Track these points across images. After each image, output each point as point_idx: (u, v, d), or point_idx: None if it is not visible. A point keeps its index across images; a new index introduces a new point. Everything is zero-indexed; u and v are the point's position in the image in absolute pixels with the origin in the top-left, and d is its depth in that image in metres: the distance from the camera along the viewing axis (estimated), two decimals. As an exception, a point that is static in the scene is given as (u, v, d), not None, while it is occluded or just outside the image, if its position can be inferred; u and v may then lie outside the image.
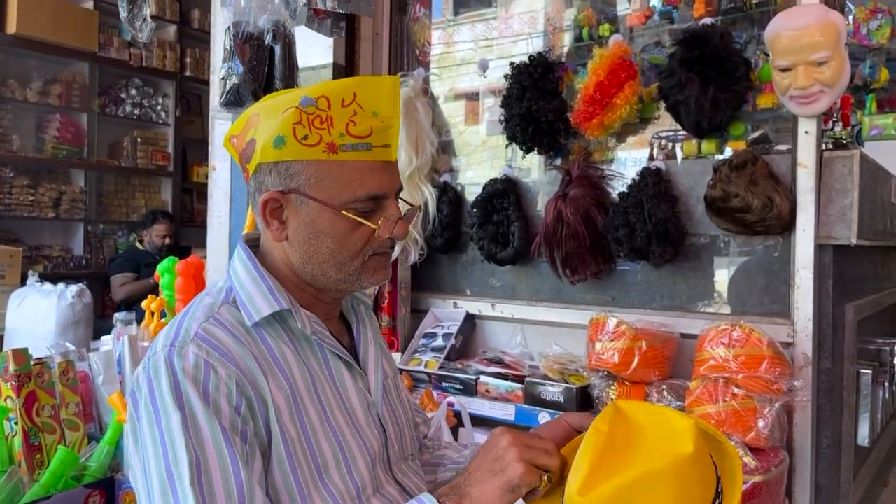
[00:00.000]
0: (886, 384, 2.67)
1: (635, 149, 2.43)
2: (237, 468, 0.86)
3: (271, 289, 1.01)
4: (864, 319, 2.55)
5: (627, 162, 2.44)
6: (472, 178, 2.82)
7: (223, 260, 2.85)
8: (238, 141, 1.03)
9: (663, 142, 2.36)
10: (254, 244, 1.11)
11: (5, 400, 1.83)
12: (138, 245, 5.45)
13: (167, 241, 5.30)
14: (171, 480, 0.85)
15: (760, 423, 1.87)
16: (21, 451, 1.83)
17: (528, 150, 2.54)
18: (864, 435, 2.33)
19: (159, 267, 2.62)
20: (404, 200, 1.09)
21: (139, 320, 2.65)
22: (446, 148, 2.89)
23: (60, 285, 4.43)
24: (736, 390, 1.90)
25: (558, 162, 2.57)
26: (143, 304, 2.53)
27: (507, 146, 2.57)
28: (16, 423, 1.82)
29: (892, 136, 3.59)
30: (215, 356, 0.92)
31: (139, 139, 6.06)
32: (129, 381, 2.29)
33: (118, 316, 2.45)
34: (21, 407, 1.81)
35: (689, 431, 0.90)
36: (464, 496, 0.92)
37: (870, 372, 2.33)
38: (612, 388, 2.12)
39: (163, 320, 2.59)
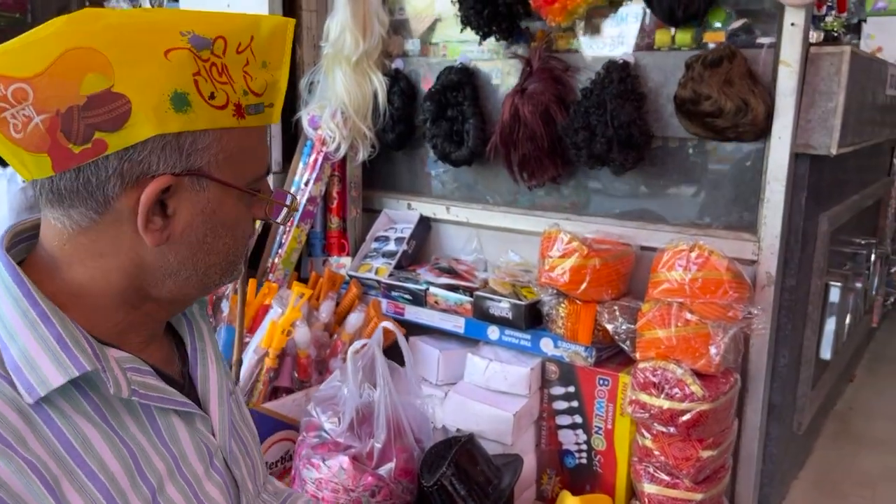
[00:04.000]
0: (860, 286, 2.57)
1: (604, 37, 2.15)
2: None
3: (62, 339, 0.67)
4: (843, 225, 2.39)
5: (595, 51, 2.17)
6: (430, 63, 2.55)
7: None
8: (45, 90, 0.64)
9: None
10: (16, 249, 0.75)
11: None
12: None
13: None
14: None
15: (712, 350, 1.77)
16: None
17: (484, 36, 2.25)
18: (827, 348, 2.24)
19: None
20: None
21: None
22: (399, 28, 2.58)
23: (10, 169, 4.21)
24: (689, 316, 1.78)
25: (520, 51, 2.30)
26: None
27: (461, 30, 2.28)
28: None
29: (900, 12, 3.26)
30: None
31: (87, 3, 5.58)
32: None
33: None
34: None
35: None
36: None
37: (839, 284, 2.20)
38: (563, 305, 2.00)
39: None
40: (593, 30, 2.16)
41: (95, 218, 0.70)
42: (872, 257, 2.80)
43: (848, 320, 2.45)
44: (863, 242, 2.69)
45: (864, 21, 3.14)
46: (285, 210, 0.87)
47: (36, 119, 0.65)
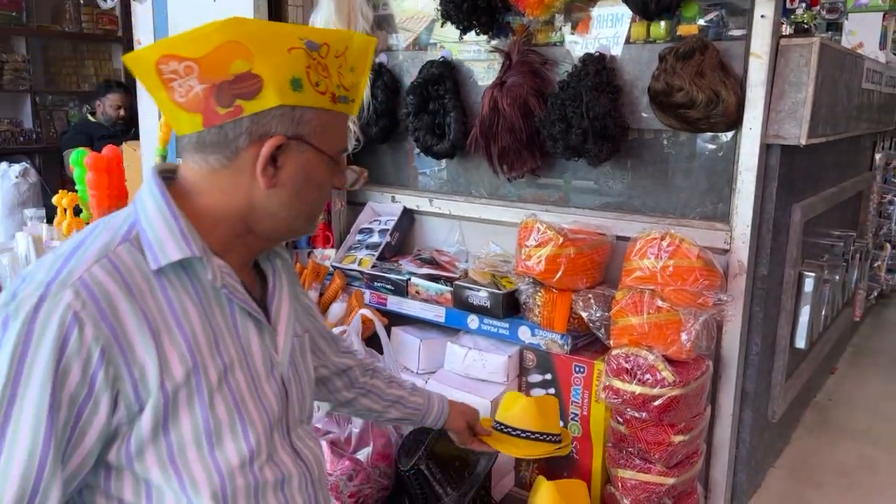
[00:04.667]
0: (837, 278, 2.60)
1: (582, 31, 2.18)
2: (44, 458, 0.79)
3: (183, 231, 0.89)
4: (819, 216, 2.43)
5: (574, 44, 2.20)
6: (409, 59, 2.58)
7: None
8: (207, 69, 0.87)
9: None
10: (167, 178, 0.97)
11: None
12: (90, 117, 5.18)
13: (122, 112, 5.00)
14: None
15: (683, 337, 1.80)
16: None
17: (464, 30, 2.29)
18: (801, 337, 2.28)
19: (71, 158, 2.44)
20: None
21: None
22: (383, 23, 2.61)
23: (3, 164, 4.23)
24: (661, 303, 1.81)
25: (501, 44, 2.32)
26: (55, 199, 2.37)
27: (441, 24, 2.31)
28: None
29: (880, 8, 3.29)
30: (90, 310, 0.80)
31: (82, 1, 5.60)
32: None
33: (27, 213, 2.31)
34: None
35: None
36: None
37: (813, 274, 2.24)
38: (539, 294, 2.03)
39: (79, 217, 2.45)
40: (572, 23, 2.19)
41: (226, 163, 0.92)
42: (851, 250, 2.84)
43: (824, 311, 2.48)
44: (840, 234, 2.72)
45: (847, 19, 3.18)
46: (353, 175, 1.07)
47: (197, 88, 0.88)
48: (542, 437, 1.68)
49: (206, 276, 0.91)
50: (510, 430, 1.67)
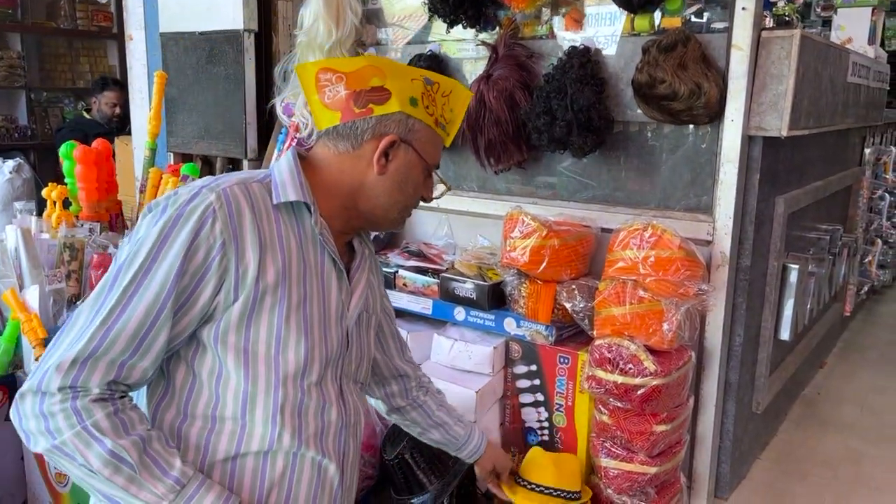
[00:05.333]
0: (823, 271, 2.62)
1: (570, 24, 2.19)
2: (164, 305, 1.01)
3: (302, 183, 1.13)
4: (804, 209, 2.44)
5: (560, 38, 2.21)
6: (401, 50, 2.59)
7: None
8: (353, 80, 1.14)
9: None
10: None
11: None
12: (86, 114, 5.19)
13: (117, 110, 5.02)
14: (117, 275, 1.01)
15: (665, 326, 1.81)
16: None
17: (451, 24, 2.30)
18: (786, 329, 2.29)
19: (61, 151, 2.45)
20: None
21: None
22: (372, 17, 2.62)
23: (-3, 162, 4.25)
24: (643, 293, 1.83)
25: (488, 38, 2.34)
26: (44, 191, 2.38)
27: (429, 18, 2.33)
28: None
29: (868, 3, 3.31)
30: (224, 212, 1.04)
31: (77, 3, 5.61)
32: (27, 276, 2.20)
33: (17, 205, 2.32)
34: None
35: None
36: None
37: (797, 266, 2.25)
38: (524, 285, 2.04)
39: (67, 210, 2.46)
40: (559, 16, 2.20)
41: (350, 150, 1.16)
42: (839, 244, 2.85)
43: (809, 304, 2.49)
44: (827, 228, 2.73)
45: (836, 13, 3.19)
46: (443, 188, 1.32)
47: (342, 93, 1.14)
48: (557, 494, 1.82)
49: (309, 222, 1.14)
50: (526, 483, 1.82)
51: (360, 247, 1.29)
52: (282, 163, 1.17)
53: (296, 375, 1.11)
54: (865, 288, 3.81)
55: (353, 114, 1.14)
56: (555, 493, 1.81)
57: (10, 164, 4.22)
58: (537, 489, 1.82)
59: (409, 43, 2.54)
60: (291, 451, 1.12)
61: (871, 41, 3.31)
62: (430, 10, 2.29)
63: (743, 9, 1.82)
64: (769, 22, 1.99)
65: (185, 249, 1.01)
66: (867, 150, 3.46)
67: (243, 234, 1.05)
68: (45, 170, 5.17)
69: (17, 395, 0.99)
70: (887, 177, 3.80)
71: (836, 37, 3.29)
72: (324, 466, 1.17)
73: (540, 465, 1.86)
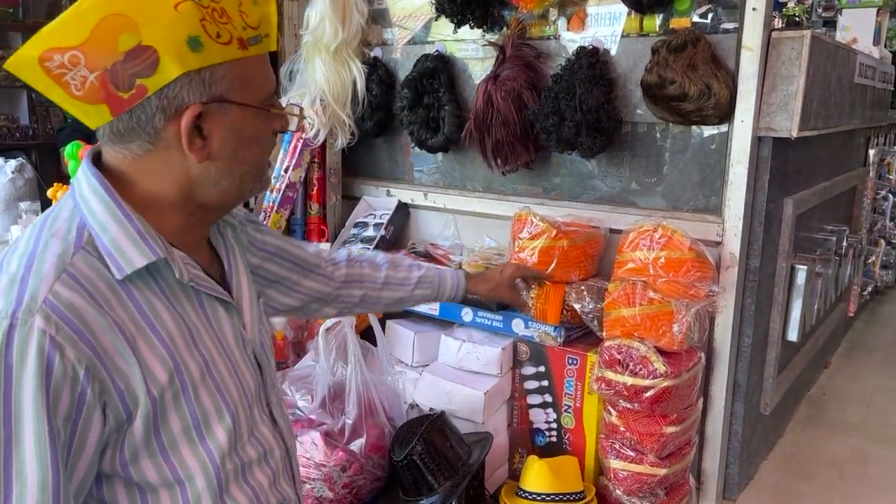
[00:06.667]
0: (829, 272, 2.61)
1: (576, 25, 2.19)
2: (57, 485, 0.77)
3: (141, 233, 0.85)
4: (812, 210, 2.44)
5: (568, 38, 2.21)
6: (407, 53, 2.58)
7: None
8: (93, 54, 0.80)
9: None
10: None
11: None
12: (87, 114, 5.18)
13: (119, 110, 5.02)
14: None
15: (675, 328, 1.81)
16: None
17: (459, 24, 2.30)
18: (794, 330, 2.29)
19: (66, 151, 2.44)
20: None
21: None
22: (378, 17, 2.62)
23: (-1, 160, 4.23)
24: (653, 294, 1.82)
25: (495, 38, 2.33)
26: (49, 192, 2.37)
27: (435, 19, 2.32)
28: None
29: (873, 3, 3.30)
30: (66, 333, 0.77)
31: (78, -4, 5.59)
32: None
33: (22, 206, 2.31)
34: None
35: None
36: None
37: (805, 267, 2.25)
38: (533, 286, 2.04)
39: (73, 210, 2.44)
40: (566, 17, 2.19)
41: (150, 147, 0.86)
42: (844, 245, 2.85)
43: (816, 305, 2.49)
44: (833, 229, 2.73)
45: (841, 14, 3.19)
46: (296, 119, 1.01)
47: (90, 77, 0.81)
48: (559, 498, 1.83)
49: (171, 274, 0.88)
50: (528, 494, 1.84)
51: (218, 238, 1.04)
52: (92, 204, 0.85)
53: (230, 447, 0.92)
54: (869, 288, 3.81)
55: (123, 101, 0.82)
56: (558, 499, 1.82)
57: (13, 164, 4.19)
58: (538, 498, 1.83)
59: (409, 43, 2.54)
60: None
61: (875, 42, 3.31)
62: (437, 10, 2.28)
63: (753, 9, 1.82)
64: (779, 23, 1.98)
65: (44, 408, 0.75)
66: (871, 151, 3.46)
67: (102, 344, 0.80)
68: (47, 170, 5.16)
69: None
70: (891, 177, 3.81)
71: (840, 37, 3.29)
72: None
73: (538, 473, 1.88)
